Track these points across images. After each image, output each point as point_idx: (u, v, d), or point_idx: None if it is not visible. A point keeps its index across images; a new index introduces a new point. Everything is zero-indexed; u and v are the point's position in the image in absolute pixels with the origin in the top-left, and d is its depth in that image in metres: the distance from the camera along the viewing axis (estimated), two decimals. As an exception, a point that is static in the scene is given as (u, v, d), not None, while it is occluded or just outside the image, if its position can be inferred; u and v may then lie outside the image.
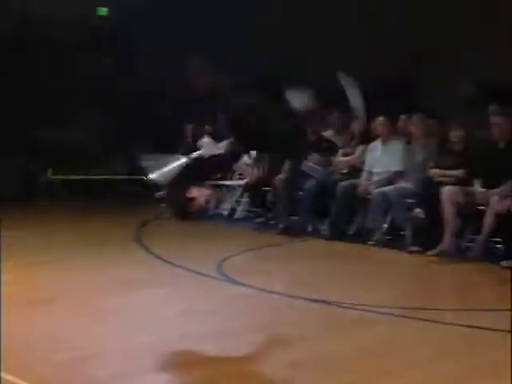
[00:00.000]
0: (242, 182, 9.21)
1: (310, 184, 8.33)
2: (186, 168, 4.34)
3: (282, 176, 8.59)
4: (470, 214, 6.97)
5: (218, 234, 8.42)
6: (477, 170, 6.96)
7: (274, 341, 4.36)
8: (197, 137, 10.35)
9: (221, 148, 4.44)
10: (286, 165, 8.68)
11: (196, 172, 4.43)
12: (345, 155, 8.60)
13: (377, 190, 7.68)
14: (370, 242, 7.55)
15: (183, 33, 12.25)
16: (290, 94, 4.50)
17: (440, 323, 4.66)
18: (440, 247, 6.82)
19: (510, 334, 4.38)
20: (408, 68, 11.71)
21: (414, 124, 7.87)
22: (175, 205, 4.68)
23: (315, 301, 5.07)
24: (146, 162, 4.47)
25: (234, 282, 5.79)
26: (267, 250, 7.60)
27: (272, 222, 8.70)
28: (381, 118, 8.15)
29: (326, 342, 4.34)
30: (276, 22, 12.42)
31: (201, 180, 4.55)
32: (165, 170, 4.42)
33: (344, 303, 4.76)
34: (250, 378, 3.77)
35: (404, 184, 7.71)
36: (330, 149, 8.70)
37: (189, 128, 10.52)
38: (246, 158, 9.58)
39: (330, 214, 8.01)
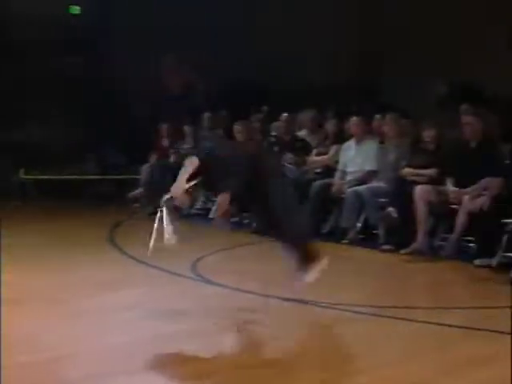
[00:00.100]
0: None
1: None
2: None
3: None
4: (442, 213, 7.03)
5: (192, 234, 8.38)
6: (449, 170, 7.02)
7: (249, 340, 4.36)
8: (173, 137, 10.34)
9: None
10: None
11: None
12: (319, 155, 8.63)
13: (350, 190, 7.71)
14: (344, 241, 7.58)
15: (157, 32, 12.20)
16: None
17: (413, 321, 4.69)
18: (413, 246, 6.87)
19: (478, 332, 4.43)
20: (381, 68, 11.82)
21: (387, 124, 7.93)
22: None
23: (288, 300, 5.08)
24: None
25: (209, 282, 5.78)
26: (241, 250, 7.59)
27: (246, 222, 8.70)
28: (354, 118, 8.19)
29: (300, 341, 4.36)
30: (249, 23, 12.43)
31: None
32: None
33: (318, 302, 4.77)
34: (224, 378, 3.76)
35: (377, 183, 7.76)
36: (303, 148, 8.72)
37: (164, 128, 10.45)
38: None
39: (304, 213, 8.03)
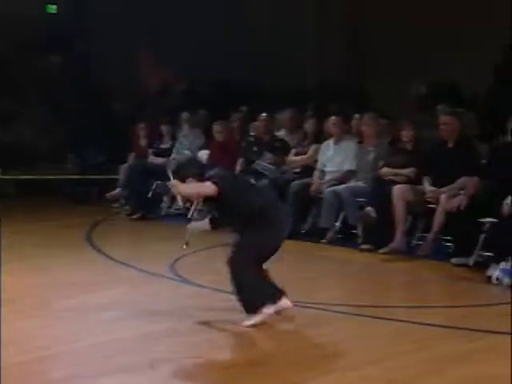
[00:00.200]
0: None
1: (262, 183, 8.34)
2: None
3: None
4: (420, 213, 7.08)
5: (170, 234, 8.35)
6: (427, 169, 7.07)
7: (229, 340, 4.36)
8: (150, 136, 10.29)
9: None
10: (239, 165, 8.72)
11: None
12: (297, 154, 8.64)
13: (329, 189, 7.73)
14: (323, 241, 7.60)
15: (135, 31, 12.15)
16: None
17: (392, 320, 4.72)
18: (391, 245, 6.91)
19: (456, 330, 4.47)
20: (359, 69, 11.88)
21: (365, 123, 7.96)
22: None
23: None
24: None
25: (187, 282, 5.77)
26: (221, 250, 7.57)
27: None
28: (333, 118, 8.22)
29: (279, 341, 4.36)
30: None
31: None
32: None
33: (297, 301, 4.78)
34: (205, 377, 3.76)
35: (356, 183, 7.79)
36: (282, 148, 8.73)
37: (141, 127, 10.38)
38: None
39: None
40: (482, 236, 6.22)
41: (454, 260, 6.40)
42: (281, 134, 9.11)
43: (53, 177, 11.53)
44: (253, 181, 6.51)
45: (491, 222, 6.10)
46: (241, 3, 12.45)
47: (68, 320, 4.67)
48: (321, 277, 6.09)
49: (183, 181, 4.69)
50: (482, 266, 6.06)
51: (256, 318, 4.47)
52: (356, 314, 4.84)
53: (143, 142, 10.29)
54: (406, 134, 7.42)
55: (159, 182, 9.62)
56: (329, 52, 12.30)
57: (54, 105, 12.55)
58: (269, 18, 12.35)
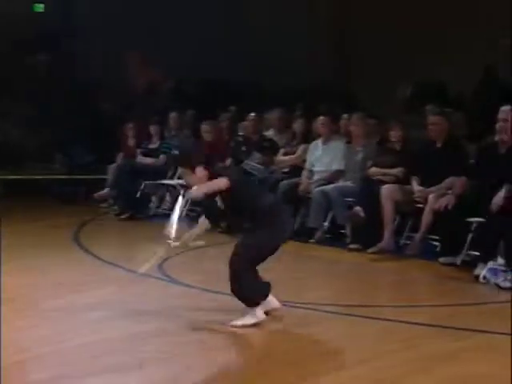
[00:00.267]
0: (183, 182, 9.16)
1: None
2: None
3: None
4: (408, 212, 7.10)
5: (159, 234, 8.33)
6: (415, 169, 7.09)
7: (216, 341, 4.35)
8: (138, 136, 10.26)
9: None
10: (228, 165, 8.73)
11: None
12: (286, 154, 8.65)
13: (317, 189, 7.74)
14: (312, 241, 7.60)
15: (122, 30, 12.12)
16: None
17: (380, 320, 4.73)
18: (380, 245, 6.92)
19: (444, 329, 4.49)
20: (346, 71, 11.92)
21: (353, 124, 7.97)
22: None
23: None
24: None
25: (176, 282, 5.75)
26: (209, 249, 7.57)
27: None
28: (321, 118, 8.23)
29: (268, 341, 4.36)
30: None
31: None
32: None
33: (286, 301, 4.78)
34: (193, 378, 3.75)
35: (344, 183, 7.80)
36: (271, 148, 8.74)
37: (129, 127, 10.34)
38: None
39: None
40: (470, 235, 6.24)
41: (441, 259, 6.42)
42: (269, 133, 9.12)
43: (40, 177, 11.48)
44: None
45: (479, 221, 6.13)
46: (239, 4, 12.46)
47: (55, 320, 4.65)
48: (309, 277, 6.10)
49: (191, 169, 4.60)
50: (469, 265, 6.09)
51: (246, 320, 4.47)
52: (345, 314, 4.85)
53: (131, 141, 10.26)
54: (395, 134, 7.44)
55: (148, 182, 9.61)
56: (317, 54, 12.33)
57: (41, 104, 12.49)
58: (267, 18, 12.39)
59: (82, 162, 11.94)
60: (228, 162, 8.82)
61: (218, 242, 7.76)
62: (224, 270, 6.19)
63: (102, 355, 3.97)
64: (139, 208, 9.43)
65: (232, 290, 4.55)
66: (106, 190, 10.01)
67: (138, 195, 9.57)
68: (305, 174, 8.16)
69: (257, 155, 8.66)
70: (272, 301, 4.63)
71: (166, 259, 6.53)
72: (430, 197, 6.66)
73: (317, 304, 5.00)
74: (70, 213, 9.68)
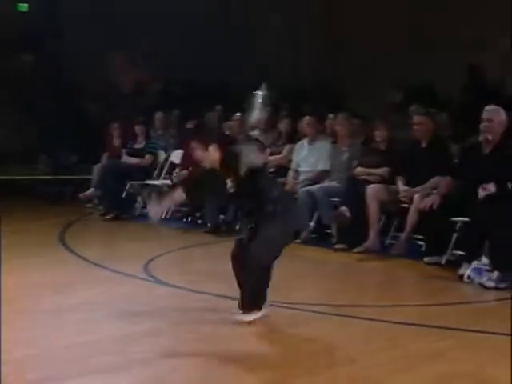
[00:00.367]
0: (169, 182, 9.15)
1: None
2: None
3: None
4: (393, 212, 7.12)
5: (144, 234, 8.33)
6: (400, 169, 7.11)
7: (202, 340, 4.35)
8: (123, 136, 10.22)
9: None
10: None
11: None
12: (272, 154, 8.64)
13: (303, 189, 7.75)
14: (297, 241, 7.58)
15: (107, 30, 12.08)
16: None
17: (366, 319, 4.75)
18: (365, 245, 6.94)
19: (429, 328, 4.51)
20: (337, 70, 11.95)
21: (339, 124, 7.99)
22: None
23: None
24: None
25: (161, 283, 5.74)
26: (195, 250, 7.57)
27: (200, 222, 8.67)
28: (307, 118, 8.24)
29: (255, 341, 4.36)
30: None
31: None
32: None
33: (273, 302, 4.78)
34: (180, 378, 3.74)
35: (330, 183, 7.82)
36: (257, 148, 8.72)
37: (114, 127, 10.30)
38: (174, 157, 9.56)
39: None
40: (455, 235, 6.27)
41: (426, 259, 6.45)
42: (255, 133, 9.10)
43: (24, 177, 11.42)
44: None
45: (463, 221, 6.16)
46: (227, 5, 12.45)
47: (41, 321, 4.63)
48: (296, 277, 6.10)
49: (205, 145, 4.54)
50: (454, 264, 6.12)
51: (253, 315, 4.48)
52: (331, 314, 4.86)
53: (117, 141, 10.22)
54: (380, 134, 7.46)
55: (133, 182, 9.58)
56: (303, 54, 12.36)
57: (26, 104, 12.43)
58: (244, 17, 12.38)
59: (66, 162, 11.89)
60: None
61: (204, 242, 7.77)
62: (210, 270, 6.22)
63: (89, 356, 3.96)
64: (125, 208, 9.40)
65: (245, 286, 4.49)
66: (91, 190, 9.97)
67: (124, 195, 9.55)
68: (291, 174, 8.17)
69: (242, 155, 8.64)
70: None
71: (151, 260, 6.52)
72: (415, 196, 6.69)
73: (304, 304, 5.01)
74: (55, 213, 9.63)
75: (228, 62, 11.85)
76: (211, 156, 4.56)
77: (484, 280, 5.57)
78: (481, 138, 6.26)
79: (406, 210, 6.80)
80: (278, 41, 12.01)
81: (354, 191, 7.24)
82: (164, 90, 12.96)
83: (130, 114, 11.25)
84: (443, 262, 6.31)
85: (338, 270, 6.67)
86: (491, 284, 5.52)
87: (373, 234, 6.95)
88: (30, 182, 11.37)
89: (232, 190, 4.54)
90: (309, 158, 8.09)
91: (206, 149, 4.56)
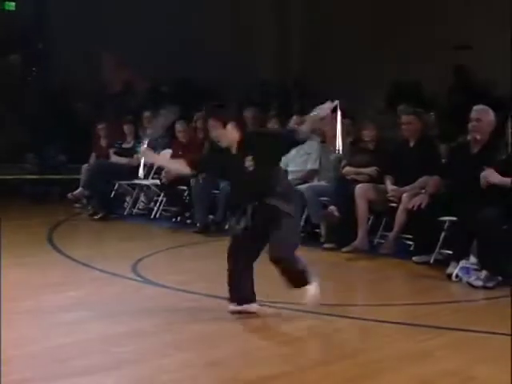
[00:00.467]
0: (157, 182, 9.12)
1: (226, 183, 8.33)
2: None
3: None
4: (382, 211, 7.14)
5: (133, 234, 8.32)
6: (389, 168, 7.13)
7: (193, 340, 4.35)
8: (111, 136, 10.18)
9: None
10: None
11: None
12: (261, 154, 8.65)
13: (292, 189, 7.75)
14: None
15: (95, 29, 12.04)
16: None
17: (353, 319, 4.76)
18: (354, 244, 6.95)
19: (417, 327, 4.52)
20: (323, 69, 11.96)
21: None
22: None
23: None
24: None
25: (150, 283, 5.73)
26: (184, 250, 7.56)
27: (189, 221, 8.66)
28: (296, 117, 8.24)
29: (242, 340, 4.36)
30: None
31: None
32: None
33: (261, 301, 4.78)
34: (167, 378, 3.74)
35: (319, 182, 7.83)
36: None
37: (101, 127, 10.24)
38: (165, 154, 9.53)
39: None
40: (443, 234, 6.30)
41: (415, 258, 6.47)
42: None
43: (12, 177, 11.36)
44: None
45: (451, 220, 6.18)
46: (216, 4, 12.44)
47: (28, 322, 4.60)
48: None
49: (224, 123, 4.55)
50: (442, 263, 6.15)
51: (313, 287, 4.58)
52: (319, 313, 4.85)
53: (104, 142, 10.18)
54: (368, 134, 7.48)
55: (122, 182, 9.55)
56: (289, 52, 12.37)
57: (13, 103, 12.36)
58: (231, 16, 12.38)
59: (53, 162, 11.83)
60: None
61: (193, 242, 7.76)
62: (199, 270, 6.21)
63: (76, 357, 3.94)
64: (113, 208, 9.38)
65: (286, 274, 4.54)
66: (79, 190, 9.93)
67: (112, 195, 9.52)
68: (279, 173, 8.17)
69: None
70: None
71: (139, 260, 6.51)
72: (404, 196, 6.71)
73: (291, 303, 5.01)
74: (44, 213, 9.60)
75: (217, 62, 11.84)
76: (229, 134, 4.56)
77: (472, 279, 5.59)
78: (469, 137, 6.28)
79: (395, 210, 6.82)
80: (264, 40, 12.02)
81: (342, 191, 7.25)
82: (154, 89, 12.92)
83: (118, 113, 11.22)
84: (431, 261, 6.34)
85: (326, 269, 6.66)
86: (479, 283, 5.55)
87: (361, 233, 6.97)
88: (17, 181, 11.31)
89: (251, 169, 4.55)
90: (297, 157, 8.09)
91: (224, 127, 4.56)
